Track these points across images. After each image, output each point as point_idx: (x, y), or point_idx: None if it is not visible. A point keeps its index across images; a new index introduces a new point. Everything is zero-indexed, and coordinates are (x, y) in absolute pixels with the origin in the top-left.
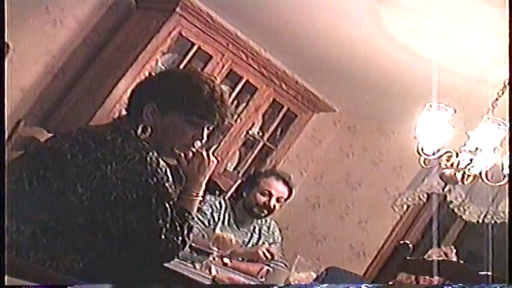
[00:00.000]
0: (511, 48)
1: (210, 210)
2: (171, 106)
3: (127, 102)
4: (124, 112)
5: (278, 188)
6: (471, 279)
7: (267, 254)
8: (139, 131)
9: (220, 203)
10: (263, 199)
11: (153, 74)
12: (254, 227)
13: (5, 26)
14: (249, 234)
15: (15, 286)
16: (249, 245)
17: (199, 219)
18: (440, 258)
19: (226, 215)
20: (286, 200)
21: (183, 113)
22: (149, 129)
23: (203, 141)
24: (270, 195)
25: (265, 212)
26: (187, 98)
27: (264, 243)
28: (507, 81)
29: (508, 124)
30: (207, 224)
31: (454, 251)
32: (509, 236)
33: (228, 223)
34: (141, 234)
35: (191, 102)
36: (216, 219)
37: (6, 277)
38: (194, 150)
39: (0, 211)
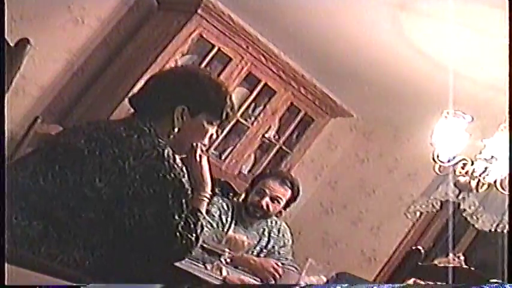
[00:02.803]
0: (511, 50)
1: (218, 213)
2: (201, 109)
3: (141, 98)
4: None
5: (274, 187)
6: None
7: (276, 270)
8: (165, 130)
9: (227, 205)
10: (256, 198)
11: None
12: (264, 230)
13: (4, 26)
14: (258, 237)
15: (15, 286)
16: (258, 248)
17: (207, 221)
18: (451, 265)
19: (235, 216)
20: (290, 201)
21: (209, 116)
22: (176, 130)
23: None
24: (264, 194)
25: (260, 211)
26: (216, 101)
27: (273, 246)
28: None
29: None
30: (215, 226)
31: (463, 258)
32: (509, 236)
33: (236, 224)
34: (156, 230)
35: (219, 106)
36: (225, 221)
37: (6, 277)
38: (203, 149)
39: (0, 211)
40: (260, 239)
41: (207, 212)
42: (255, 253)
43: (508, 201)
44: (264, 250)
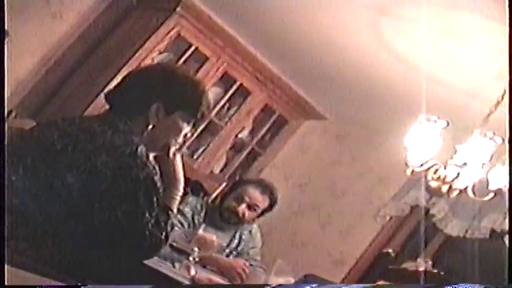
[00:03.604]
0: (511, 52)
1: (191, 213)
2: (177, 107)
3: (117, 95)
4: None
5: (253, 196)
6: None
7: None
8: (139, 127)
9: (201, 205)
10: (233, 204)
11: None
12: (235, 232)
13: (4, 23)
14: (229, 238)
15: (15, 286)
16: (227, 250)
17: (179, 220)
18: (422, 269)
19: (207, 218)
20: (265, 211)
21: (185, 114)
22: (150, 127)
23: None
24: (242, 201)
25: (234, 218)
26: (193, 99)
27: (243, 248)
28: (502, 96)
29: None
30: (186, 226)
31: (431, 263)
32: (510, 236)
33: (207, 225)
34: (126, 228)
35: (195, 104)
36: (197, 222)
37: (6, 277)
38: (177, 148)
39: (1, 211)
40: (231, 241)
41: (180, 211)
42: (224, 254)
43: (508, 202)
44: (234, 252)
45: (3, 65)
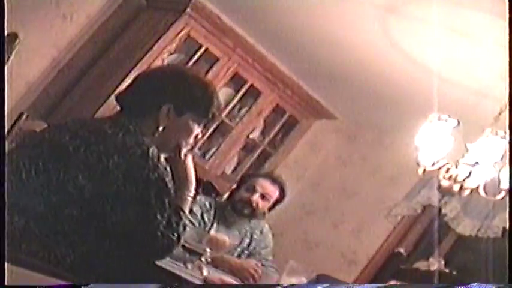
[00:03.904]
0: (511, 52)
1: (200, 212)
2: (188, 108)
3: (128, 97)
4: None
5: (264, 185)
6: None
7: (256, 271)
8: (150, 129)
9: (210, 203)
10: (246, 194)
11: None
12: (246, 231)
13: (4, 24)
14: (240, 238)
15: (15, 286)
16: (239, 249)
17: (189, 220)
18: (434, 269)
19: (217, 216)
20: (278, 201)
21: (196, 115)
22: (161, 129)
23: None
24: (254, 190)
25: (248, 208)
26: (203, 101)
27: (255, 247)
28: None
29: (508, 137)
30: (197, 225)
31: (443, 262)
32: (510, 236)
33: (218, 224)
34: (138, 229)
35: (205, 105)
36: (207, 220)
37: (6, 277)
38: (188, 148)
39: (1, 211)
40: (242, 240)
41: (190, 210)
42: (236, 254)
43: (509, 203)
44: (246, 251)
45: (4, 65)
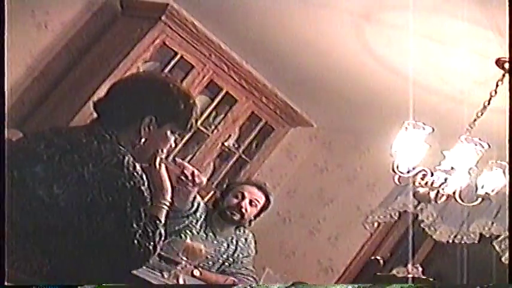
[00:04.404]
0: (511, 51)
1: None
2: (168, 119)
3: (107, 105)
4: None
5: (252, 191)
6: None
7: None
8: (130, 139)
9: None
10: (235, 200)
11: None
12: (232, 238)
13: (5, 24)
14: (226, 245)
15: (15, 286)
16: (224, 256)
17: (192, 223)
18: (410, 275)
19: (203, 223)
20: (264, 208)
21: (176, 126)
22: (143, 140)
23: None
24: (243, 196)
25: (238, 215)
26: (184, 112)
27: (238, 255)
28: (487, 103)
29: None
30: (198, 228)
31: (420, 269)
32: (510, 236)
33: (205, 231)
34: (114, 238)
35: (185, 117)
36: (191, 226)
37: (6, 277)
38: (163, 157)
39: (1, 211)
40: (228, 247)
41: (194, 216)
42: (221, 260)
43: (508, 205)
44: (230, 258)
45: (4, 65)
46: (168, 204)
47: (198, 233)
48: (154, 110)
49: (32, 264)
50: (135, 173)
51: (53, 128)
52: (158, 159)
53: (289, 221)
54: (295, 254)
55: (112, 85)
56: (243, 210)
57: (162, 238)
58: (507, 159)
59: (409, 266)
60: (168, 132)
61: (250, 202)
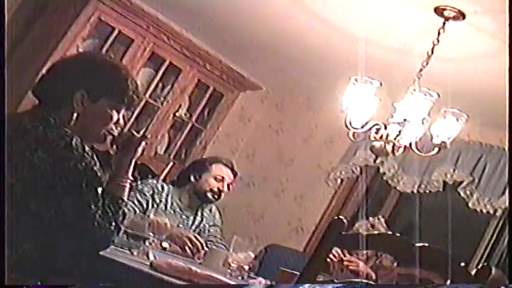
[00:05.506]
0: (511, 49)
1: (151, 192)
2: (101, 94)
3: (42, 88)
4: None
5: (229, 174)
6: (405, 250)
7: (193, 241)
8: (67, 117)
9: (162, 186)
10: (217, 184)
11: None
12: (197, 210)
13: (5, 24)
14: (192, 217)
15: (15, 286)
16: (193, 228)
17: (138, 201)
18: (375, 232)
19: (169, 198)
20: (231, 183)
21: (112, 100)
22: (75, 116)
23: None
24: (223, 180)
25: (217, 197)
26: (116, 85)
27: (205, 225)
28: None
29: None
30: (145, 205)
31: (383, 220)
32: (510, 233)
33: (171, 207)
34: (74, 222)
35: (120, 90)
36: (158, 201)
37: (6, 277)
38: (116, 134)
39: (0, 210)
40: (194, 218)
41: (140, 191)
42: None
43: (508, 199)
44: (197, 229)
45: (4, 65)
46: (128, 180)
47: (163, 211)
48: (85, 85)
49: None
50: (85, 154)
51: None
52: (109, 138)
53: (253, 185)
54: (264, 218)
55: (47, 69)
56: (223, 193)
57: (126, 216)
58: (507, 147)
59: (371, 218)
60: (107, 108)
61: (228, 186)
